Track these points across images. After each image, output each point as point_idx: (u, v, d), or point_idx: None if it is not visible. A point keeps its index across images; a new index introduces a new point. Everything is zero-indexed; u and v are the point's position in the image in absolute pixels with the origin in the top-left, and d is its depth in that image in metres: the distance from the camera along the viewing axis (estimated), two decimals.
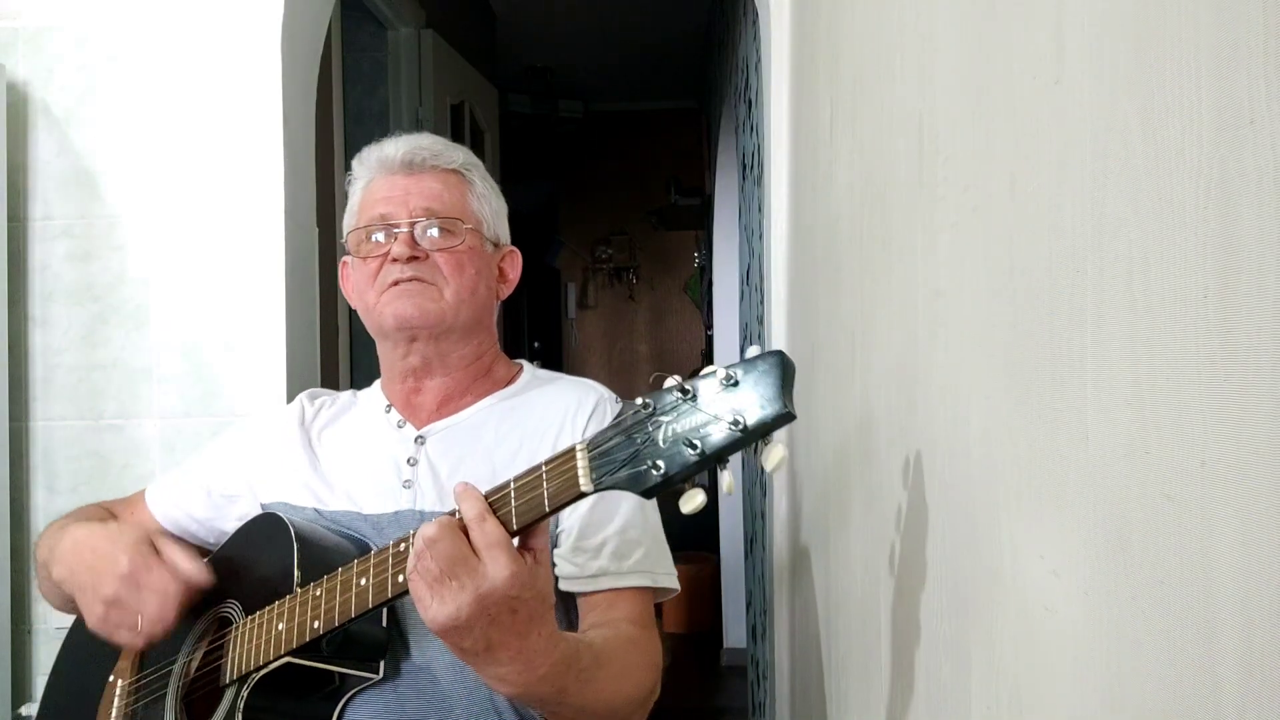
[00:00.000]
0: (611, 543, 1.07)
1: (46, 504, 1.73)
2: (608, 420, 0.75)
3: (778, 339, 1.78)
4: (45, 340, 1.74)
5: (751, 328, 2.50)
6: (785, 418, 0.69)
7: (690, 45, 4.60)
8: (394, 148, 1.14)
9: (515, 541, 0.81)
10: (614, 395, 1.19)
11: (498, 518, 0.80)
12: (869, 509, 1.05)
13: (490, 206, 1.18)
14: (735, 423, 0.70)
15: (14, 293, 1.73)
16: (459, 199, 1.15)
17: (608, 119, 5.77)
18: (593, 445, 0.76)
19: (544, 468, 0.80)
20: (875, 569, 1.02)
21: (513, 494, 0.81)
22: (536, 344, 5.51)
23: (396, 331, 1.11)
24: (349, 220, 1.18)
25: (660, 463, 0.72)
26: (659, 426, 0.73)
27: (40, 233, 1.74)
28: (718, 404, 0.71)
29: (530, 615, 0.81)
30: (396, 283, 1.10)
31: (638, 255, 5.94)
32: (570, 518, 1.07)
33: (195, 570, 1.02)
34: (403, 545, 0.87)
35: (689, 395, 0.72)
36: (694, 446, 0.71)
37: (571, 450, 0.78)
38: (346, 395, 1.26)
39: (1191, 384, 0.41)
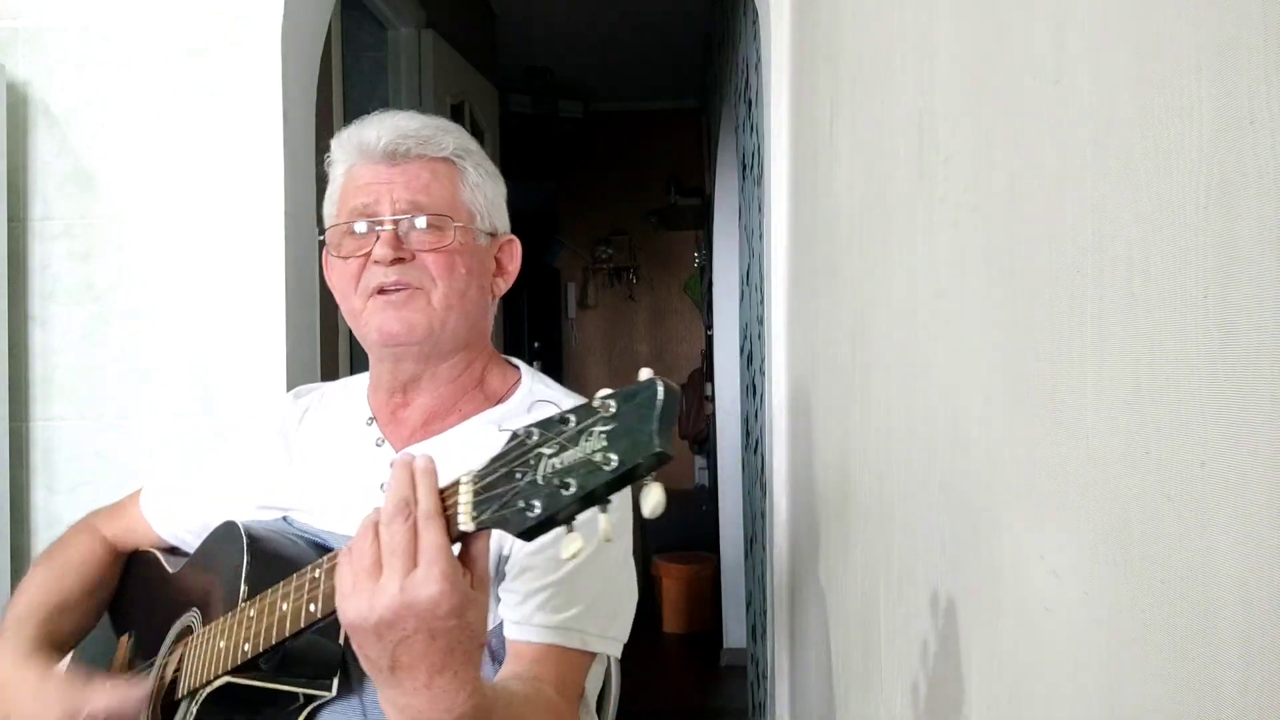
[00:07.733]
0: (546, 592, 0.98)
1: (46, 504, 1.73)
2: None
3: (778, 339, 1.78)
4: (45, 340, 1.74)
5: (751, 328, 2.50)
6: (659, 458, 0.63)
7: (690, 45, 4.60)
8: (375, 133, 1.04)
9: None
10: None
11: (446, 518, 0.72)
12: (869, 509, 1.05)
13: (485, 195, 1.09)
14: (608, 462, 0.64)
15: (14, 293, 1.73)
16: (448, 191, 1.06)
17: (608, 119, 5.77)
18: (479, 478, 0.70)
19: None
20: (875, 569, 1.02)
21: None
22: (536, 344, 5.51)
23: (382, 348, 1.06)
24: (328, 210, 1.10)
25: (536, 503, 0.66)
26: (540, 460, 0.67)
27: (40, 233, 1.74)
28: (595, 438, 0.65)
29: (449, 648, 0.71)
30: (382, 289, 1.02)
31: (638, 255, 5.94)
32: (519, 552, 0.98)
33: None
34: (318, 572, 0.82)
35: (568, 425, 0.67)
36: (567, 487, 0.65)
37: (456, 484, 0.71)
38: (338, 387, 1.21)
39: (1191, 384, 0.41)
